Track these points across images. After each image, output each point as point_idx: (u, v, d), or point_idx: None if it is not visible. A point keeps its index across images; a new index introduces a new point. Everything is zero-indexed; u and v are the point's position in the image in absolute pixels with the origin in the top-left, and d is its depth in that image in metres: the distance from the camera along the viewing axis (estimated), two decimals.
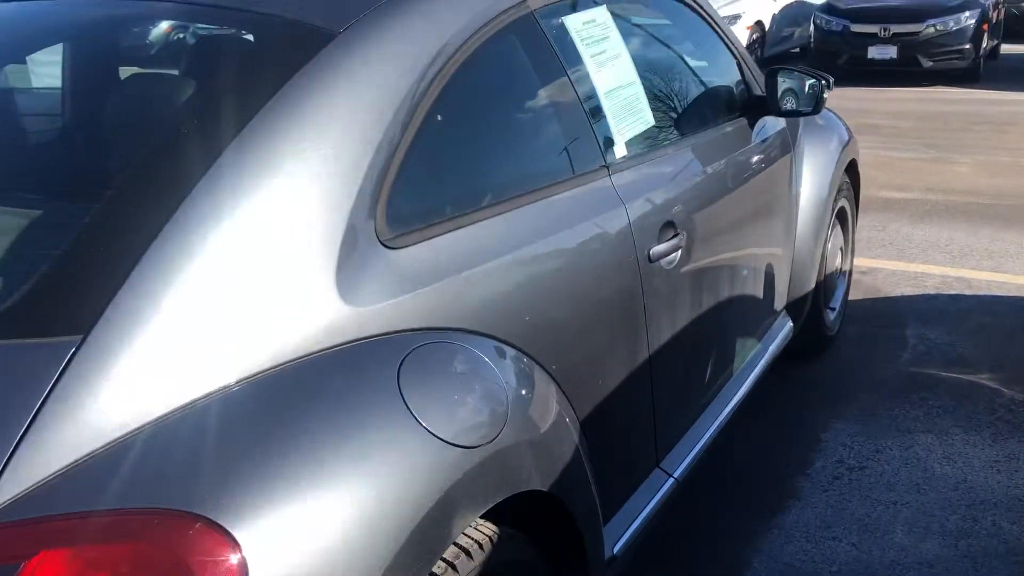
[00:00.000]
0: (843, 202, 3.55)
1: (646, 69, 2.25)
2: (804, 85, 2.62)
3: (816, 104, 2.62)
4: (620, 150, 1.96)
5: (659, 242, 1.97)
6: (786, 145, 2.95)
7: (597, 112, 1.93)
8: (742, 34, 12.39)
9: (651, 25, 2.46)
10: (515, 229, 1.62)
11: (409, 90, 1.49)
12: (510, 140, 1.80)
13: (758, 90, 2.76)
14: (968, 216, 5.36)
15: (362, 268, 1.34)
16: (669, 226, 2.02)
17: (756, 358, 2.74)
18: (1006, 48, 12.84)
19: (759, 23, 12.00)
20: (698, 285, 2.20)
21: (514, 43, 1.78)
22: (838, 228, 3.55)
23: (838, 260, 3.57)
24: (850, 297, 4.04)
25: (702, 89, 2.58)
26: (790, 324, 3.08)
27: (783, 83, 2.65)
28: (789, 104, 2.66)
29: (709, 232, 2.26)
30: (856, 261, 4.57)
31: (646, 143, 2.10)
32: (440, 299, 1.43)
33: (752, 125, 2.70)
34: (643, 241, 1.91)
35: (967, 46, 11.19)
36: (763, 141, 2.73)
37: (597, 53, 1.97)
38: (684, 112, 2.43)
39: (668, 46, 2.54)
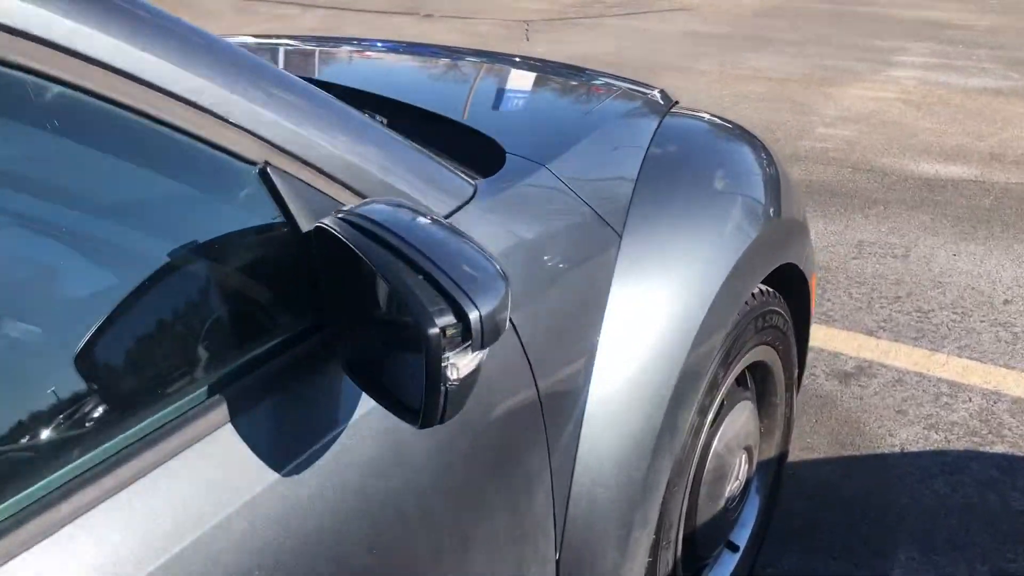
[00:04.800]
0: (758, 350, 1.64)
1: None
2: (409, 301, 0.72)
3: (427, 410, 0.71)
4: None
5: None
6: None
7: None
8: None
9: None
10: None
11: None
12: None
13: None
14: None
15: None
16: None
17: None
18: None
19: None
20: None
21: None
22: (745, 408, 1.65)
23: (740, 470, 1.69)
24: (810, 442, 2.19)
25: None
26: None
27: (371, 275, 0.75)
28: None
29: None
30: (841, 342, 2.65)
31: None
32: None
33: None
34: None
35: None
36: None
37: None
38: None
39: None
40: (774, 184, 1.66)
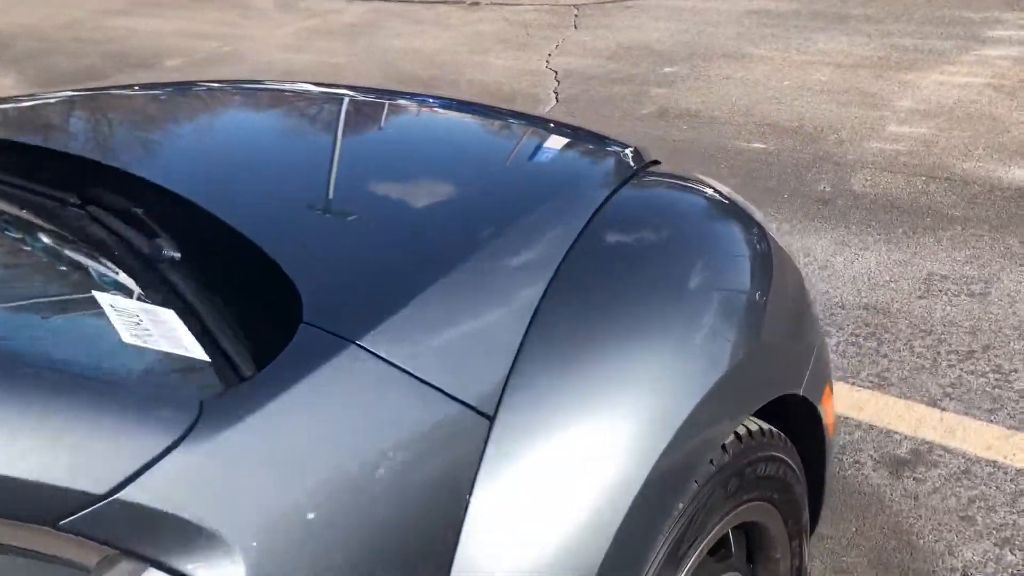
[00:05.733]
0: (742, 511, 1.23)
1: None
2: None
3: None
4: None
5: None
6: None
7: None
8: None
9: None
10: None
11: None
12: None
13: None
14: None
15: None
16: None
17: None
18: None
19: None
20: None
21: None
22: None
23: None
24: (845, 561, 1.75)
25: None
26: None
27: None
28: None
29: None
30: (895, 416, 2.16)
31: None
32: None
33: None
34: None
35: None
36: None
37: None
38: None
39: None
40: (763, 286, 1.23)
